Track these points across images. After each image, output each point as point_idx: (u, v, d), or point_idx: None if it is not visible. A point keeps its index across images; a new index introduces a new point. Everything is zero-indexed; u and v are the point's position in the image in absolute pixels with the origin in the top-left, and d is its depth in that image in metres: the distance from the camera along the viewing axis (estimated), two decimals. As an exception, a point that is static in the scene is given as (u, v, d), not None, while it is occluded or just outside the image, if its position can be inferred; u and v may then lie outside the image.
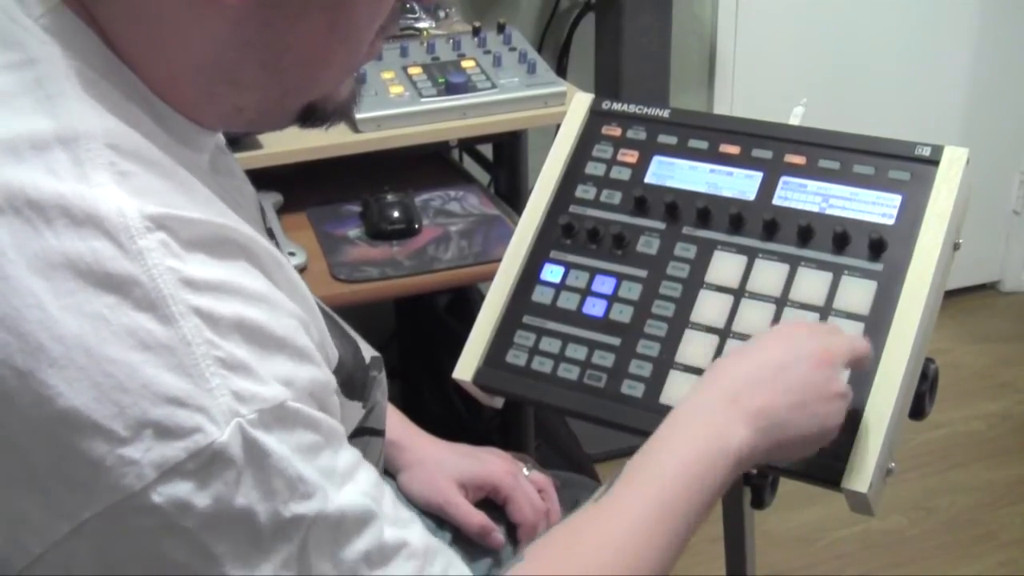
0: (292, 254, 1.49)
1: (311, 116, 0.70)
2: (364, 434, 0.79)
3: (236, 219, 0.64)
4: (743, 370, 0.78)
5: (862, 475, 0.87)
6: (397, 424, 1.06)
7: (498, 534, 1.02)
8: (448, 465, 1.04)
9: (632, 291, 1.01)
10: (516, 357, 1.01)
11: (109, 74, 0.62)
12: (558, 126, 1.12)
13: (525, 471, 1.07)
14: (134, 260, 0.56)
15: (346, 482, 0.62)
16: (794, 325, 0.85)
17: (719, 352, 0.95)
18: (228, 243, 0.61)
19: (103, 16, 0.62)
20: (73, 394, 0.55)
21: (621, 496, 0.72)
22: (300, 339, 0.62)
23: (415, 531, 0.66)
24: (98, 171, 0.58)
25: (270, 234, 0.77)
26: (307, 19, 0.63)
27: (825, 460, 0.88)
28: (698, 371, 0.95)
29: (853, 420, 0.89)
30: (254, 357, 0.58)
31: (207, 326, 0.57)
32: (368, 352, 0.80)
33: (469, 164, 1.97)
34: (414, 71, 1.64)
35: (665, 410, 0.83)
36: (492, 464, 1.05)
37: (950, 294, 1.15)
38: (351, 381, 0.74)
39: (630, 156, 1.06)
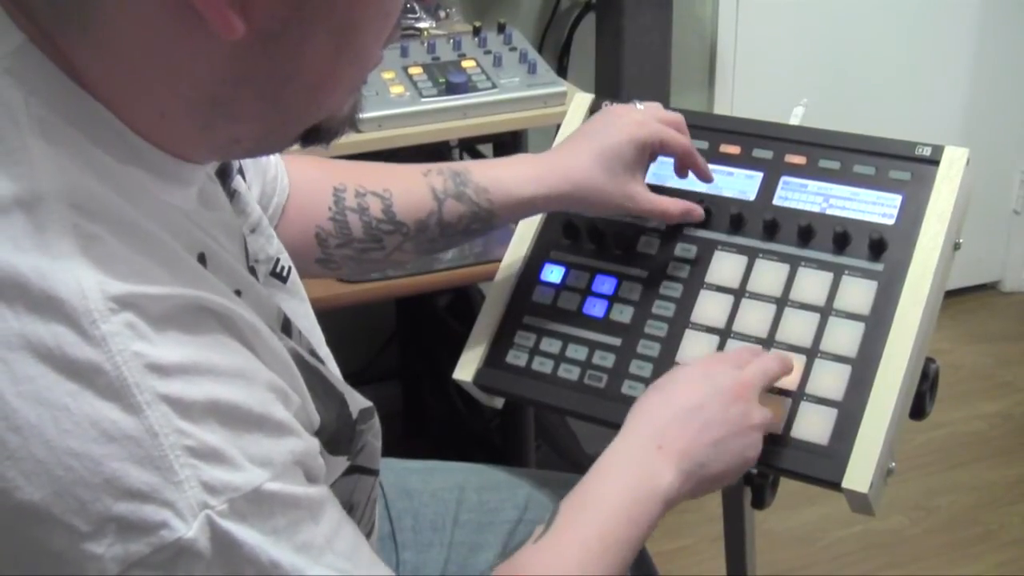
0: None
1: (314, 137, 0.66)
2: (353, 472, 0.77)
3: (213, 281, 0.61)
4: (664, 415, 0.83)
5: (863, 475, 0.87)
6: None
7: (700, 208, 1.00)
8: (591, 167, 0.96)
9: (632, 291, 1.01)
10: (516, 357, 1.01)
11: (78, 119, 0.57)
12: (558, 126, 1.12)
13: (639, 105, 1.03)
14: (97, 346, 0.53)
15: (325, 553, 0.60)
16: (707, 362, 0.88)
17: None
18: (202, 314, 0.58)
19: (77, 54, 0.57)
20: (32, 488, 0.52)
21: (562, 535, 0.77)
22: (278, 412, 0.60)
23: None
24: (61, 238, 0.54)
25: (252, 272, 0.73)
26: (312, 46, 0.58)
27: (826, 460, 0.88)
28: (698, 371, 0.95)
29: (854, 420, 0.89)
30: (229, 441, 0.56)
31: (177, 413, 0.54)
32: (357, 405, 0.76)
33: (469, 164, 1.97)
34: (414, 71, 1.64)
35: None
36: (618, 132, 0.97)
37: (950, 294, 1.15)
38: (336, 439, 0.72)
39: (630, 156, 1.06)
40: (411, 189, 0.97)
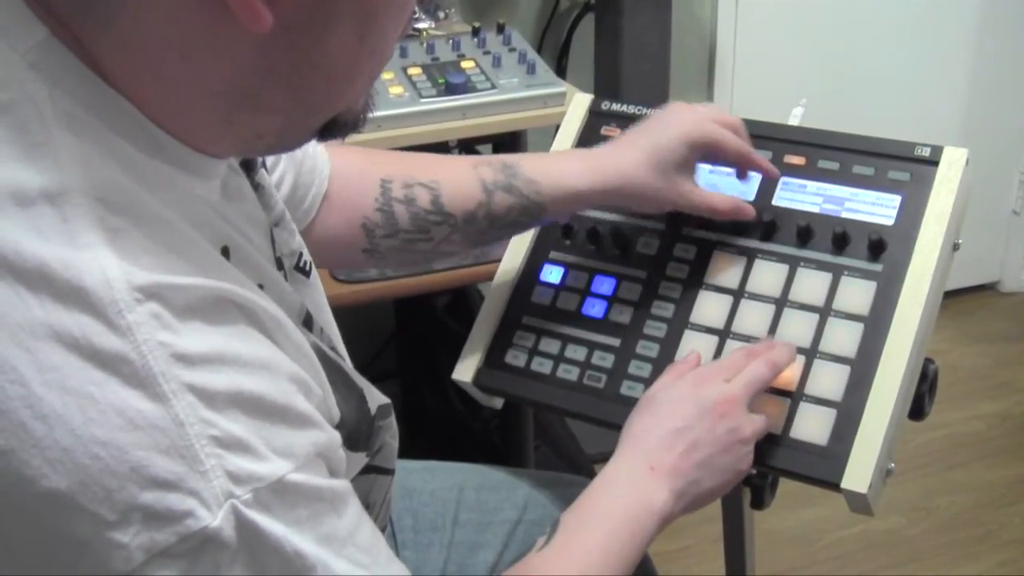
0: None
1: (331, 131, 0.67)
2: (370, 471, 0.78)
3: (236, 274, 0.61)
4: (652, 438, 0.84)
5: (862, 476, 0.87)
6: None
7: (751, 206, 0.99)
8: (643, 163, 0.95)
9: (632, 292, 1.01)
10: (515, 358, 1.01)
11: (102, 111, 0.58)
12: (557, 127, 1.12)
13: (702, 108, 1.00)
14: (123, 336, 0.53)
15: (346, 546, 0.61)
16: (696, 377, 0.88)
17: (718, 353, 0.95)
18: (225, 305, 0.58)
19: (99, 47, 0.57)
20: (57, 477, 0.52)
21: (564, 545, 0.79)
22: (300, 404, 0.60)
23: None
24: (86, 229, 0.54)
25: (279, 264, 0.74)
26: (336, 36, 0.59)
27: (825, 461, 0.88)
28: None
29: (853, 420, 0.89)
30: (252, 431, 0.56)
31: (202, 403, 0.54)
32: (375, 401, 0.77)
33: (468, 164, 1.97)
34: (414, 71, 1.64)
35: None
36: (673, 129, 0.96)
37: (949, 294, 1.15)
38: (355, 435, 0.72)
39: (630, 157, 1.06)
40: (460, 180, 0.97)
